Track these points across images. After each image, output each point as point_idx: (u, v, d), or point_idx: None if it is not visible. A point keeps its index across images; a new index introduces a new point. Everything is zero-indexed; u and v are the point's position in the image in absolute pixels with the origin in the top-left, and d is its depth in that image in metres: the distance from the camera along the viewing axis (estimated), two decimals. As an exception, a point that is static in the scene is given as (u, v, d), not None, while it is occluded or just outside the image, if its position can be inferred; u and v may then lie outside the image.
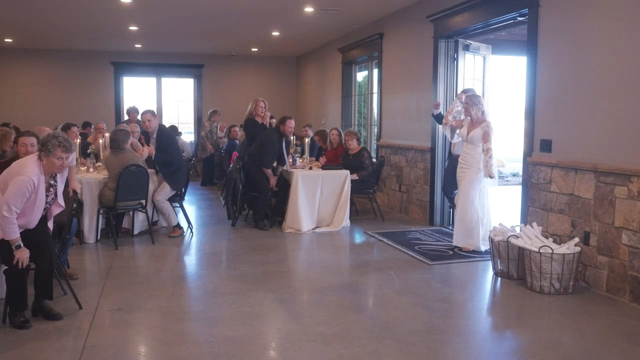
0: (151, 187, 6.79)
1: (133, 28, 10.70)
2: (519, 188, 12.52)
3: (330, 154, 8.76)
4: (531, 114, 5.86)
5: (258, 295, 4.77)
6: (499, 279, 5.38)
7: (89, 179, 6.65)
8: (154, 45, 13.20)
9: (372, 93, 10.59)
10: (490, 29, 7.19)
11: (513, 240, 5.11)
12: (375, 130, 10.10)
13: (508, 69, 14.12)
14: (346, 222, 7.71)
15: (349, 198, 7.71)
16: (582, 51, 5.18)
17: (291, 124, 7.71)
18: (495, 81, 10.39)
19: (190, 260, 6.18)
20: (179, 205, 7.31)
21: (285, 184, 7.75)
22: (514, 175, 15.07)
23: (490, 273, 5.54)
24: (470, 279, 5.44)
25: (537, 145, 5.76)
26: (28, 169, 3.92)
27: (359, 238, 7.18)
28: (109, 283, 5.08)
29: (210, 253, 6.37)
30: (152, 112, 7.01)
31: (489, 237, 5.53)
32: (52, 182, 4.16)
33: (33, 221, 4.06)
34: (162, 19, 9.84)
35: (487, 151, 6.01)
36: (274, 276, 5.37)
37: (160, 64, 14.40)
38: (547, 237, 5.18)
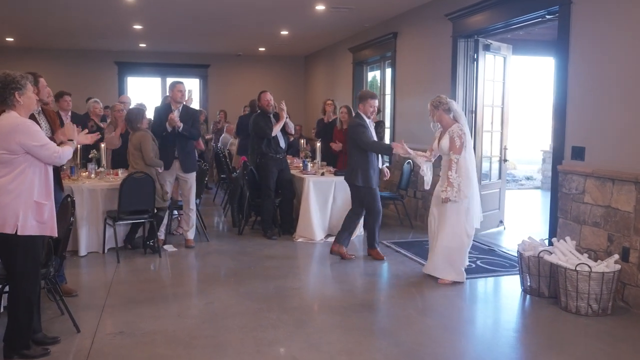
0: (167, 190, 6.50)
1: (137, 27, 10.37)
2: (534, 192, 12.38)
3: (341, 136, 7.90)
4: (561, 119, 5.47)
5: (271, 316, 4.40)
6: (528, 296, 5.00)
7: (90, 186, 6.29)
8: (158, 45, 12.87)
9: (384, 94, 10.22)
10: (513, 27, 6.81)
11: (546, 257, 4.73)
12: (388, 133, 9.72)
13: (525, 69, 13.73)
14: (360, 230, 7.34)
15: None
16: (620, 50, 4.79)
17: (266, 96, 7.27)
18: (516, 83, 9.99)
19: (196, 274, 5.81)
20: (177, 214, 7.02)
21: (290, 194, 7.37)
22: (527, 178, 14.68)
23: (517, 290, 5.16)
24: (497, 297, 5.07)
25: (569, 153, 5.37)
26: (11, 117, 3.52)
27: (374, 248, 6.80)
28: (110, 302, 4.73)
29: (218, 266, 6.00)
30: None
31: (518, 251, 5.15)
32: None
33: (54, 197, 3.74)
34: (167, 17, 9.50)
35: (449, 163, 5.23)
36: (288, 293, 5.00)
37: (165, 64, 14.06)
38: (581, 253, 4.79)
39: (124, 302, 4.72)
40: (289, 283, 5.29)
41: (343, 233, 6.18)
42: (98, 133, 4.10)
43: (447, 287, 5.19)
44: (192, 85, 14.64)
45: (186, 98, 6.79)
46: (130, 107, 7.81)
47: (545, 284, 4.90)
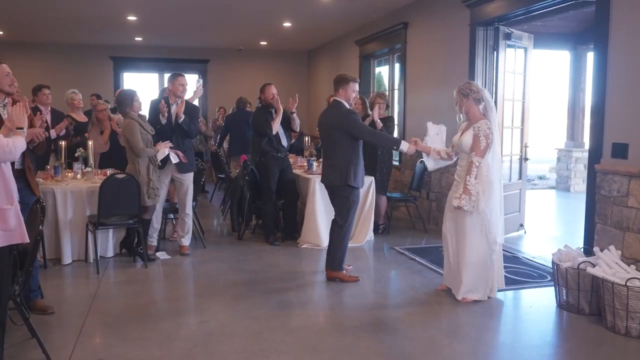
0: (162, 194, 5.96)
1: (132, 18, 9.78)
2: (549, 193, 11.77)
3: None
4: (599, 114, 4.88)
5: (274, 338, 3.82)
6: (565, 313, 4.41)
7: (73, 188, 5.71)
8: (155, 39, 12.28)
9: (393, 89, 9.64)
10: (538, 13, 6.25)
11: (590, 270, 4.13)
12: (398, 130, 9.13)
13: (535, 63, 13.11)
14: (370, 235, 6.77)
15: (373, 207, 6.76)
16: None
17: (271, 89, 6.60)
18: (537, 76, 9.39)
19: (190, 287, 5.20)
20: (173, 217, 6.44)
21: (292, 196, 6.78)
22: (540, 178, 14.08)
23: (552, 305, 4.57)
24: (530, 315, 4.45)
25: (608, 150, 4.78)
26: None
27: (387, 256, 6.22)
28: (90, 320, 4.14)
29: (214, 276, 5.41)
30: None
31: (552, 261, 4.56)
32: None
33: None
34: (163, 8, 8.93)
35: (469, 167, 4.44)
36: (292, 310, 4.42)
37: (162, 59, 13.45)
38: (627, 264, 4.20)
39: (106, 321, 4.14)
40: (293, 297, 4.71)
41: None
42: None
43: (473, 302, 4.59)
44: (190, 82, 14.08)
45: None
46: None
47: (585, 300, 4.31)
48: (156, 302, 4.62)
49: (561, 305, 4.48)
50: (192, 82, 13.91)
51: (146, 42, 12.59)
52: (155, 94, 13.42)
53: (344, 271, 5.21)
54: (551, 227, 8.12)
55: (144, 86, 13.93)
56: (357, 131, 4.96)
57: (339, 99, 5.08)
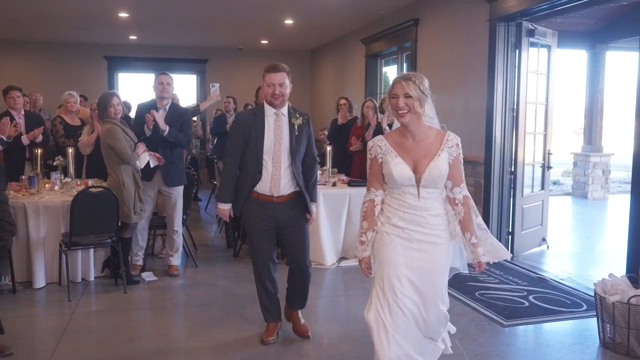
0: (148, 208, 5.36)
1: (123, 15, 9.17)
2: (565, 200, 11.10)
3: (360, 134, 6.73)
4: (646, 119, 4.25)
5: (268, 392, 3.19)
6: (610, 354, 3.77)
7: (47, 202, 5.08)
8: (150, 37, 11.68)
9: (402, 91, 8.99)
10: (563, 8, 5.66)
11: (646, 308, 3.50)
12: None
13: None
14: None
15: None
16: None
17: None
18: (562, 76, 8.75)
19: (172, 319, 4.51)
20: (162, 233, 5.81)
21: None
22: (554, 183, 13.42)
23: (593, 343, 3.93)
24: (569, 355, 3.80)
25: (657, 162, 4.15)
26: None
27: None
28: (53, 364, 3.53)
29: (203, 304, 4.76)
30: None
31: (595, 292, 3.92)
32: None
33: None
34: (155, 4, 8.32)
35: (466, 205, 2.87)
36: (290, 352, 3.78)
37: (158, 59, 12.81)
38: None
39: (72, 365, 3.52)
40: (289, 341, 3.98)
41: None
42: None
43: (503, 338, 3.96)
44: (188, 82, 13.49)
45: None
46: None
47: (637, 340, 3.67)
48: (132, 340, 3.95)
49: (605, 344, 3.85)
50: (190, 82, 13.41)
51: (141, 40, 11.99)
52: (150, 96, 12.81)
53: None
54: (574, 241, 7.48)
55: (139, 87, 13.36)
56: None
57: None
